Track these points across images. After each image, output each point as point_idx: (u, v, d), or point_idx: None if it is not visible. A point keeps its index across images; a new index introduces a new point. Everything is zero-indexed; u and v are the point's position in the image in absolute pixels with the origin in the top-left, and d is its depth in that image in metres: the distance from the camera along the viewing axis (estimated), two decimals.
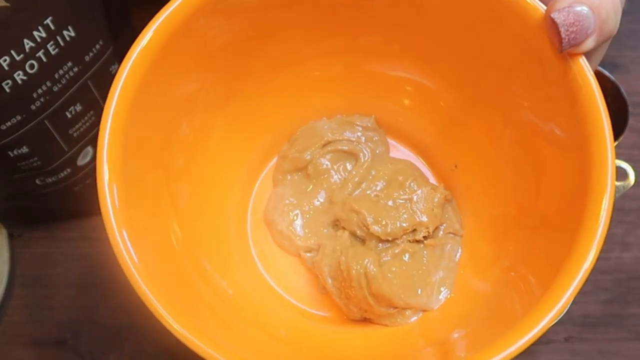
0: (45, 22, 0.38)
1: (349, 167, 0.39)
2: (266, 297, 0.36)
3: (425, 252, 0.35)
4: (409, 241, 0.35)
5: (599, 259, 0.50)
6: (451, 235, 0.37)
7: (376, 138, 0.40)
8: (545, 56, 0.28)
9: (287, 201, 0.38)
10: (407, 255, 0.35)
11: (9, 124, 0.39)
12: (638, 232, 0.52)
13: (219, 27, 0.31)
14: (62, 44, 0.39)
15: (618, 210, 0.52)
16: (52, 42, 0.39)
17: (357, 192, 0.37)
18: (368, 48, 0.36)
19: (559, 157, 0.29)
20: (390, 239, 0.35)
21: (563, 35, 0.27)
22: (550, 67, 0.28)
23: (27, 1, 0.36)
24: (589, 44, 0.28)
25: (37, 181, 0.45)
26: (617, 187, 0.46)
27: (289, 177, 0.39)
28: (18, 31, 0.36)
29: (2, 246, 0.51)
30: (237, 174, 0.38)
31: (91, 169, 0.48)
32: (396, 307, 0.34)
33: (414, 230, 0.35)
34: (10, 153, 0.41)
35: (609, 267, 0.50)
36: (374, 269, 0.33)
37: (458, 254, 0.36)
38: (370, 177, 0.37)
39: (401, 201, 0.36)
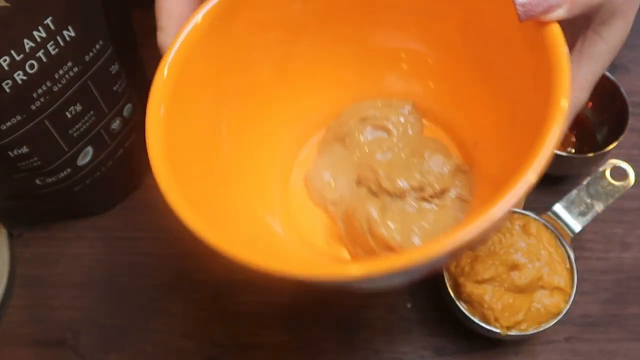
0: (45, 22, 0.38)
1: (382, 139, 0.43)
2: (294, 237, 0.41)
3: (430, 209, 0.38)
4: (417, 199, 0.39)
5: (599, 259, 0.50)
6: (459, 200, 0.39)
7: (412, 120, 0.43)
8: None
9: (325, 165, 0.43)
10: (411, 209, 0.38)
11: (9, 124, 0.39)
12: (638, 232, 0.52)
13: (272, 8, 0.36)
14: (62, 44, 0.39)
15: (618, 210, 0.52)
16: (52, 42, 0.39)
17: (381, 158, 0.41)
18: (392, 35, 0.41)
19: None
20: (398, 193, 0.38)
21: (517, 7, 0.29)
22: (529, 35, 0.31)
23: (27, 1, 0.36)
24: (558, 13, 0.29)
25: (37, 181, 0.45)
26: (617, 186, 0.46)
27: (330, 147, 0.44)
28: (18, 31, 0.36)
29: (2, 246, 0.51)
30: (288, 136, 0.43)
31: (91, 169, 0.48)
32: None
33: (422, 188, 0.38)
34: (10, 153, 0.41)
35: (609, 267, 0.50)
36: (376, 214, 0.37)
37: (461, 218, 0.38)
38: (397, 149, 0.42)
39: (415, 164, 0.39)
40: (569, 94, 0.28)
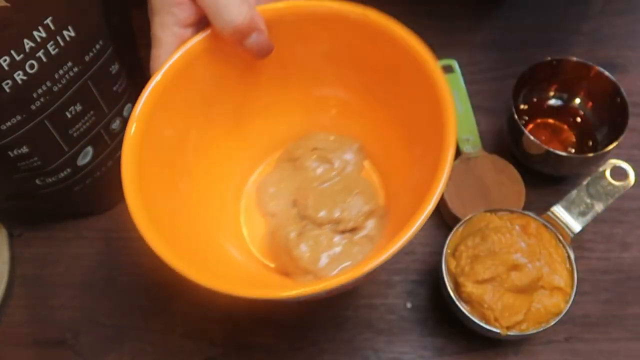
0: (45, 22, 0.38)
1: (324, 169, 0.48)
2: (238, 243, 0.46)
3: (340, 242, 0.44)
4: (332, 230, 0.44)
5: (599, 259, 0.50)
6: (368, 239, 0.44)
7: (354, 159, 0.48)
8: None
9: (274, 179, 0.49)
10: (324, 238, 0.43)
11: (9, 124, 0.39)
12: (638, 232, 0.52)
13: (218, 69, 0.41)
14: (62, 44, 0.39)
15: (618, 210, 0.52)
16: (52, 42, 0.39)
17: (317, 186, 0.47)
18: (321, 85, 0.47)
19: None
20: (318, 222, 0.44)
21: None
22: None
23: (27, 1, 0.36)
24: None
25: (37, 181, 0.45)
26: (617, 187, 0.46)
27: (283, 164, 0.49)
28: (18, 31, 0.36)
29: (2, 246, 0.51)
30: (239, 161, 0.48)
31: (91, 169, 0.48)
32: (308, 272, 0.42)
33: (338, 222, 0.44)
34: (10, 153, 0.41)
35: (609, 267, 0.50)
36: (294, 235, 0.43)
37: (366, 253, 0.43)
38: (333, 183, 0.47)
39: (341, 200, 0.45)
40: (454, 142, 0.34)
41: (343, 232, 0.44)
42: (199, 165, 0.44)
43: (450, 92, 0.36)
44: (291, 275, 0.44)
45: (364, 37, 0.40)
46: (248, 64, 0.42)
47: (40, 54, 0.38)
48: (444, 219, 0.52)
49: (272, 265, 0.45)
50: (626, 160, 0.47)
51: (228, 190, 0.48)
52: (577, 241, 0.51)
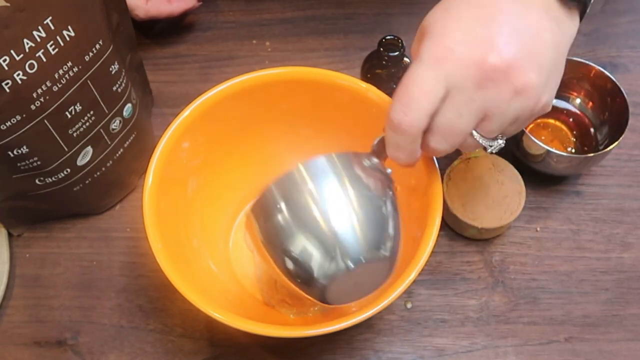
0: (45, 22, 0.38)
1: None
2: (229, 275, 0.50)
3: None
4: None
5: (599, 259, 0.50)
6: None
7: None
8: None
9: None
10: None
11: (8, 124, 0.39)
12: (638, 233, 0.52)
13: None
14: (61, 43, 0.39)
15: (618, 210, 0.52)
16: (51, 42, 0.39)
17: None
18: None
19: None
20: None
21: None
22: None
23: (27, 1, 0.36)
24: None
25: (37, 181, 0.45)
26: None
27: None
28: (18, 31, 0.36)
29: (2, 246, 0.51)
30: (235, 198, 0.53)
31: (91, 169, 0.48)
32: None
33: None
34: (10, 153, 0.41)
35: (609, 267, 0.50)
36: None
37: None
38: None
39: None
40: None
41: None
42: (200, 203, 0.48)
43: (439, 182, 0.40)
44: (275, 307, 0.47)
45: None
46: (243, 125, 0.48)
47: (40, 53, 0.38)
48: (443, 219, 0.51)
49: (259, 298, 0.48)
50: (626, 160, 0.47)
51: (221, 227, 0.52)
52: (577, 241, 0.51)
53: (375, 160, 0.37)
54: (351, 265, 0.34)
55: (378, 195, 0.36)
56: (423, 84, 0.32)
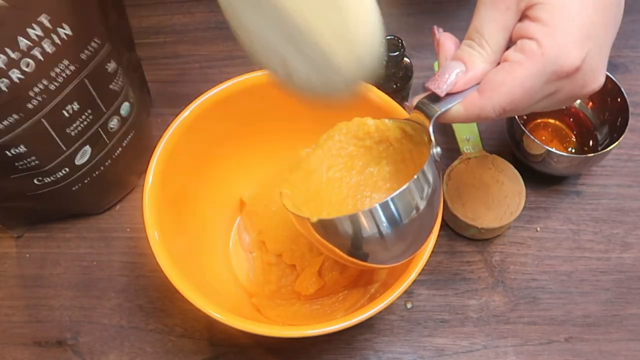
0: (40, 20, 0.37)
1: None
2: (227, 274, 0.51)
3: None
4: None
5: (599, 259, 0.50)
6: None
7: None
8: None
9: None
10: None
11: (5, 123, 0.39)
12: (638, 233, 0.52)
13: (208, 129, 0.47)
14: (57, 42, 0.39)
15: (618, 210, 0.52)
16: (47, 40, 0.38)
17: None
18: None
19: None
20: None
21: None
22: None
23: None
24: (456, 112, 0.34)
25: (36, 181, 0.45)
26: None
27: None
28: (13, 29, 0.36)
29: (2, 246, 0.51)
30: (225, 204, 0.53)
31: (89, 168, 0.48)
32: None
33: None
34: (7, 153, 0.41)
35: (609, 267, 0.50)
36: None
37: None
38: None
39: None
40: None
41: None
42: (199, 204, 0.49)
43: None
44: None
45: None
46: (243, 125, 0.49)
47: (36, 52, 0.38)
48: (443, 219, 0.51)
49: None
50: (626, 160, 0.47)
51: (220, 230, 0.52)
52: (577, 241, 0.51)
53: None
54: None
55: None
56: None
